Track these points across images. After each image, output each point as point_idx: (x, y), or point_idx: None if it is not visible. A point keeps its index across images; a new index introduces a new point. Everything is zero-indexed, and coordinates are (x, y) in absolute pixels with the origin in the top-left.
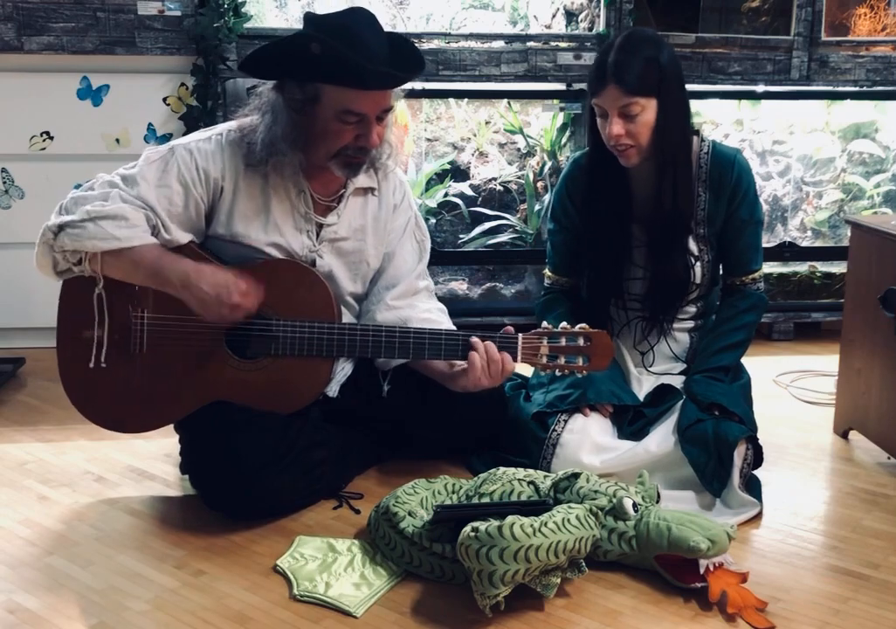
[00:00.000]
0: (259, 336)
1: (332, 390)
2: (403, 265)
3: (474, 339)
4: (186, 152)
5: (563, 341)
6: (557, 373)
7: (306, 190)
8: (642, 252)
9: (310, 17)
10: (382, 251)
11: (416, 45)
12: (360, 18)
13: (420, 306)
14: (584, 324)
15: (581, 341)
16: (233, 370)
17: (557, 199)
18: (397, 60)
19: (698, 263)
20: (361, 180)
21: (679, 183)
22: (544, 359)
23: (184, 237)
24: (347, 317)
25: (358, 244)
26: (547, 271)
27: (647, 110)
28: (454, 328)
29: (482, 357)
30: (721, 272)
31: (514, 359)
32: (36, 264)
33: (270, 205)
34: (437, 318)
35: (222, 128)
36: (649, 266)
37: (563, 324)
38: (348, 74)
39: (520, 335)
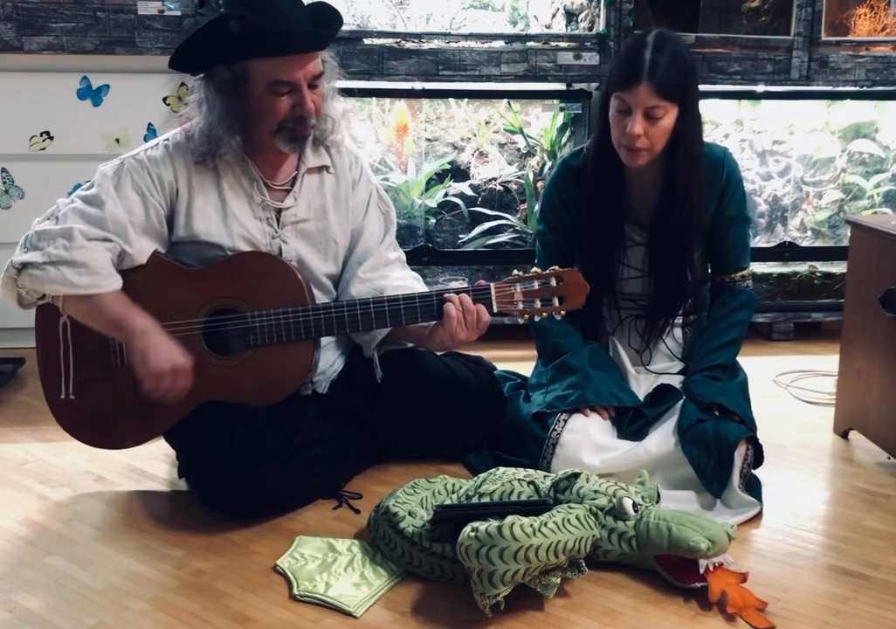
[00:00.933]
0: (236, 330)
1: (323, 387)
2: (371, 238)
3: (449, 294)
4: (137, 162)
5: (535, 285)
6: (536, 318)
7: (258, 177)
8: (636, 252)
9: None
10: (349, 228)
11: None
12: None
13: (393, 275)
14: (555, 266)
15: (553, 282)
16: (215, 368)
17: (547, 199)
18: (316, 21)
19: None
20: (312, 160)
21: (693, 196)
22: (520, 305)
23: (149, 247)
24: (324, 299)
25: (321, 223)
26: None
27: (669, 115)
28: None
29: (457, 308)
30: (710, 270)
31: (490, 310)
32: (0, 295)
33: (226, 198)
34: (412, 285)
35: (168, 134)
36: (647, 268)
37: (534, 268)
38: (270, 43)
39: (492, 285)
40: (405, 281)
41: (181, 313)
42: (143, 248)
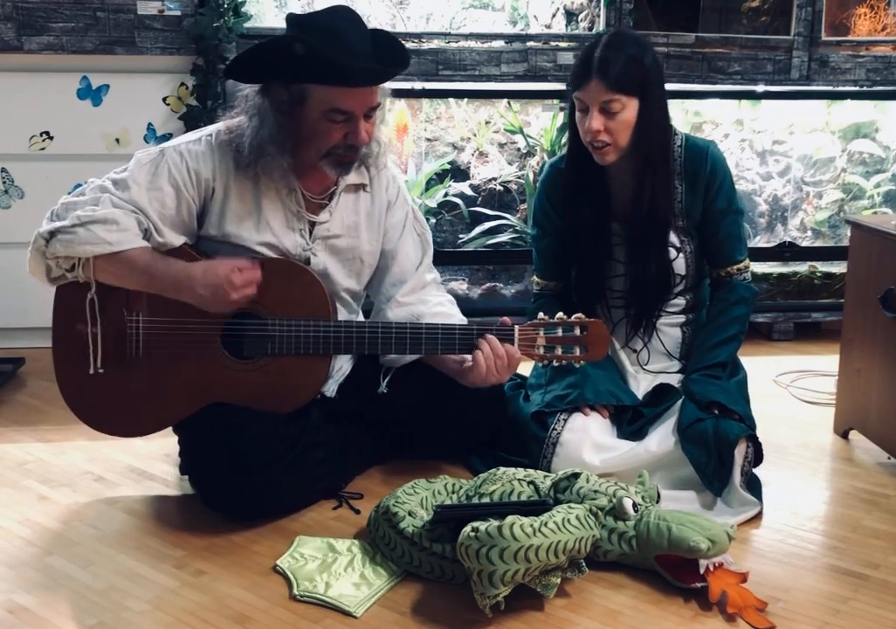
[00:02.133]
0: (255, 336)
1: (330, 390)
2: (407, 261)
3: (478, 339)
4: (177, 154)
5: (559, 332)
6: (555, 363)
7: (297, 189)
8: (622, 250)
9: (292, 18)
10: (378, 247)
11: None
12: (343, 16)
13: (431, 300)
14: (580, 314)
15: (577, 331)
16: (230, 371)
17: (538, 204)
18: (381, 56)
19: (681, 255)
20: (352, 177)
21: (658, 184)
22: (541, 350)
23: (177, 239)
24: (343, 314)
25: (351, 241)
26: (535, 277)
27: (628, 109)
28: (465, 320)
29: (486, 354)
30: (707, 266)
31: (516, 354)
32: (29, 271)
33: (262, 204)
34: (449, 311)
35: (212, 129)
36: (628, 265)
37: (559, 314)
38: (332, 72)
39: (516, 327)
40: (443, 307)
41: (202, 312)
42: (170, 240)
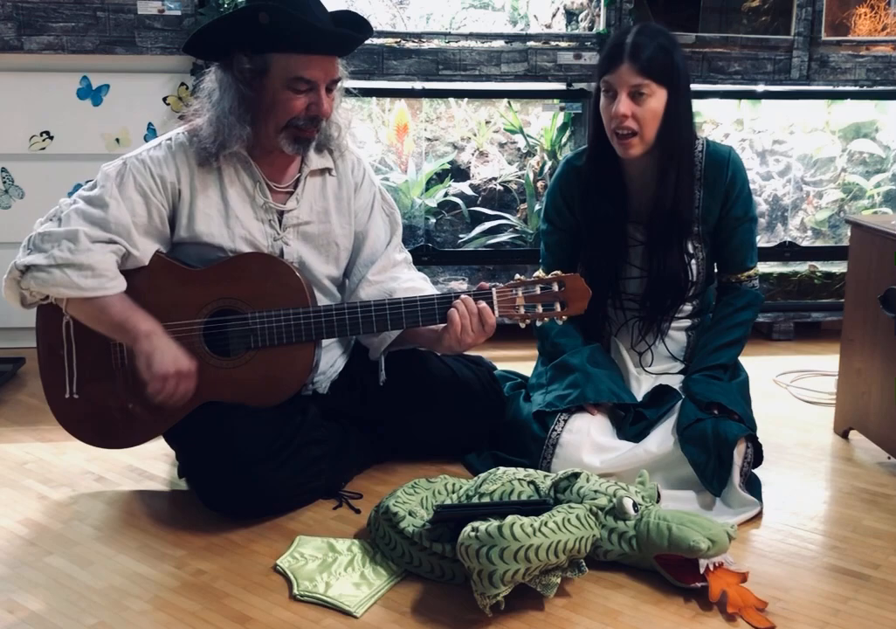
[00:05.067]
0: (236, 331)
1: (323, 387)
2: (377, 240)
3: (456, 301)
4: (139, 162)
5: (537, 290)
6: (538, 323)
7: (261, 179)
8: (638, 251)
9: None
10: (351, 230)
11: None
12: None
13: (402, 277)
14: (556, 271)
15: (556, 287)
16: (216, 369)
17: (550, 199)
18: (342, 24)
19: (693, 261)
20: (316, 161)
21: (681, 185)
22: (522, 310)
23: (151, 247)
24: (326, 301)
25: (323, 226)
26: (541, 272)
27: (657, 98)
28: (437, 292)
29: (461, 313)
30: (716, 270)
31: (492, 313)
32: (3, 295)
33: (228, 200)
34: (421, 286)
35: (171, 134)
36: (646, 266)
37: (537, 272)
38: (299, 37)
39: (494, 289)
40: (414, 282)
41: (182, 313)
42: (146, 249)
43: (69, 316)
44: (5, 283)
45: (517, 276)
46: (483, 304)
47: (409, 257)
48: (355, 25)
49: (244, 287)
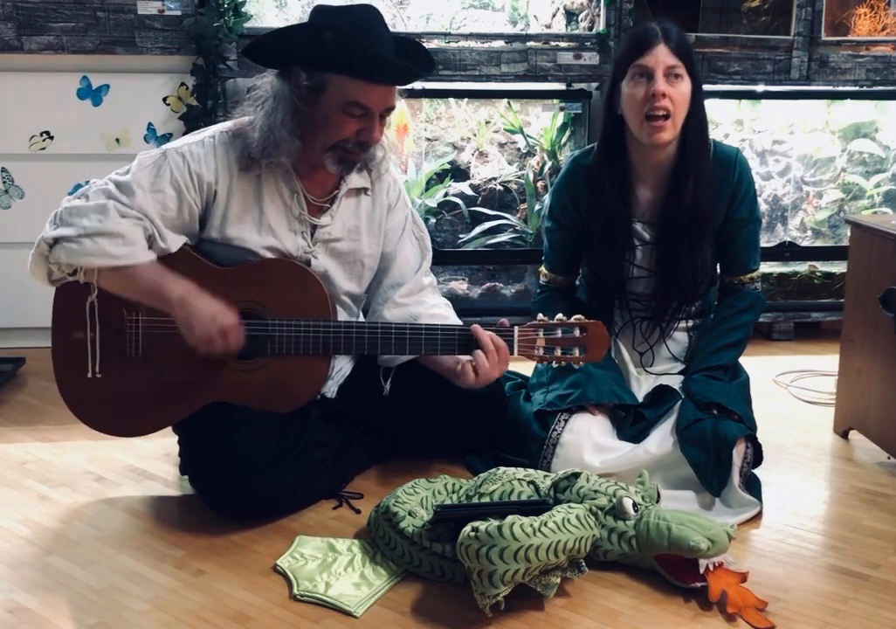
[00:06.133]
0: (255, 336)
1: (331, 391)
2: (406, 264)
3: (477, 331)
4: (179, 156)
5: (558, 333)
6: (554, 364)
7: (300, 191)
8: (644, 251)
9: (319, 9)
10: (378, 250)
11: None
12: (371, 13)
13: (428, 302)
14: (579, 315)
15: (577, 332)
16: (230, 371)
17: (556, 197)
18: (406, 56)
19: (702, 262)
20: (355, 180)
21: (701, 182)
22: (541, 351)
23: (178, 241)
24: (343, 316)
25: (352, 244)
26: (543, 269)
27: (686, 83)
28: (460, 323)
29: (489, 349)
30: (719, 271)
31: (511, 353)
32: (30, 272)
33: (264, 207)
34: (445, 314)
35: (214, 130)
36: (653, 267)
37: (559, 315)
38: (363, 64)
39: (516, 328)
40: (440, 308)
41: None
42: (173, 240)
43: (94, 296)
44: (32, 258)
45: (539, 316)
46: (500, 340)
47: (435, 281)
48: (420, 58)
49: (268, 292)
